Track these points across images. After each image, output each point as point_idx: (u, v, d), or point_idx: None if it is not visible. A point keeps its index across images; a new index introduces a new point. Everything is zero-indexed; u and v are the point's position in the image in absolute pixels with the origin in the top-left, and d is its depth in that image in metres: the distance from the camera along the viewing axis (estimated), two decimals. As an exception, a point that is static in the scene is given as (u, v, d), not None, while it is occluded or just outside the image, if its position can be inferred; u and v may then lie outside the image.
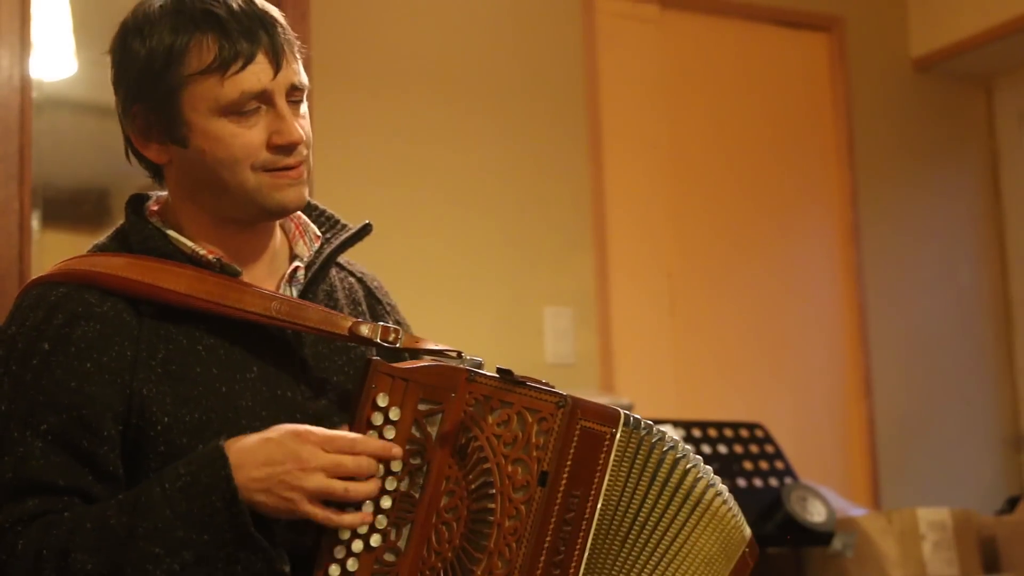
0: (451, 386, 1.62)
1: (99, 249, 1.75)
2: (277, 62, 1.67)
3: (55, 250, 3.00)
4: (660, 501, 1.67)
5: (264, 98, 1.68)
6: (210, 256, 1.72)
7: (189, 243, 1.73)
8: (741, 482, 3.25)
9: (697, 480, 1.69)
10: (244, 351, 1.69)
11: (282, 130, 1.68)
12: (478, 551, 1.61)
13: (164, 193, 1.79)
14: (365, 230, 1.84)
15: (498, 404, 1.62)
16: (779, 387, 4.23)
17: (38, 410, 1.60)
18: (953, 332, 4.57)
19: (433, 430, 1.61)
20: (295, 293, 1.78)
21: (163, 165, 1.74)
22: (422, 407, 1.61)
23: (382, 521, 1.59)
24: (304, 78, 1.73)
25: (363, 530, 1.59)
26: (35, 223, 3.05)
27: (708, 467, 1.73)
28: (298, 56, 1.73)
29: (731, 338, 4.18)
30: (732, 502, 1.74)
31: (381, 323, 1.76)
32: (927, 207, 4.59)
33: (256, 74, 1.66)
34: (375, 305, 1.91)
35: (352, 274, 1.93)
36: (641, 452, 1.66)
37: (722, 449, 3.32)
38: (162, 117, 1.69)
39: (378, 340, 1.73)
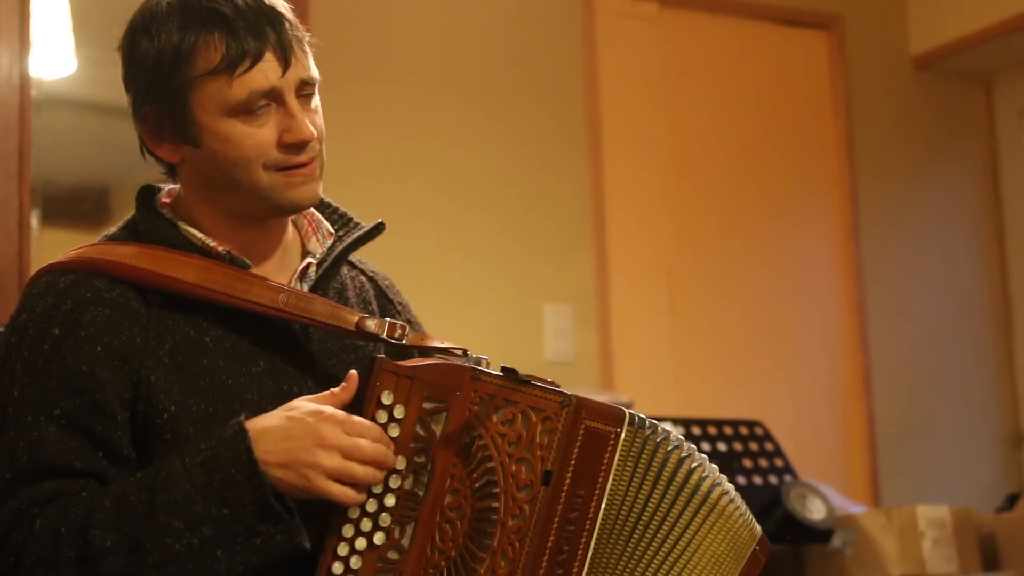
0: (456, 385, 1.62)
1: (110, 239, 1.75)
2: (286, 59, 1.67)
3: (55, 248, 2.99)
4: (665, 500, 1.67)
5: (274, 96, 1.67)
6: (220, 248, 1.72)
7: (199, 235, 1.73)
8: (741, 480, 3.25)
9: (703, 479, 1.69)
10: (251, 345, 1.70)
11: (292, 128, 1.67)
12: (482, 550, 1.61)
13: (176, 186, 1.79)
14: (378, 229, 1.84)
15: (503, 403, 1.62)
16: (779, 385, 4.23)
17: (51, 394, 1.60)
18: (953, 329, 4.57)
19: (438, 428, 1.61)
20: (305, 290, 1.78)
21: (176, 164, 1.74)
22: (427, 405, 1.61)
23: (386, 519, 1.59)
24: (314, 72, 1.72)
25: (367, 527, 1.59)
26: (34, 221, 3.05)
27: (714, 466, 1.73)
28: (308, 50, 1.72)
29: (731, 336, 4.18)
30: (739, 500, 1.74)
31: (388, 319, 1.75)
32: (927, 204, 4.59)
33: (264, 72, 1.65)
34: (386, 304, 1.91)
35: (363, 272, 1.93)
36: (646, 451, 1.66)
37: (722, 447, 3.32)
38: (173, 118, 1.68)
39: (384, 336, 1.73)
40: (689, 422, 3.34)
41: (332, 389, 1.62)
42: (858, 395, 4.35)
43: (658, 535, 1.67)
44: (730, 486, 1.73)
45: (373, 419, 1.60)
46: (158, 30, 1.67)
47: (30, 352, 1.63)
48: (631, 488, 1.66)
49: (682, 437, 1.71)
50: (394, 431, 1.60)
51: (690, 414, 3.62)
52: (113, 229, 1.77)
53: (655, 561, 1.67)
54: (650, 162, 4.09)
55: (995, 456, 4.58)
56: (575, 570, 1.63)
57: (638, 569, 1.67)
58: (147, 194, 1.78)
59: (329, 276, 1.80)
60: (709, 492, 1.70)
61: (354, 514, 1.59)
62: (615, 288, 3.96)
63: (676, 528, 1.68)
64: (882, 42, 4.58)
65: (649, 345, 4.00)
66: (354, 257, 1.90)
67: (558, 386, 1.65)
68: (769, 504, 3.19)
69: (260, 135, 1.67)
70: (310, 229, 1.84)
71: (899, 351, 4.43)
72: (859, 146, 4.45)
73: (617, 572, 1.66)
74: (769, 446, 3.41)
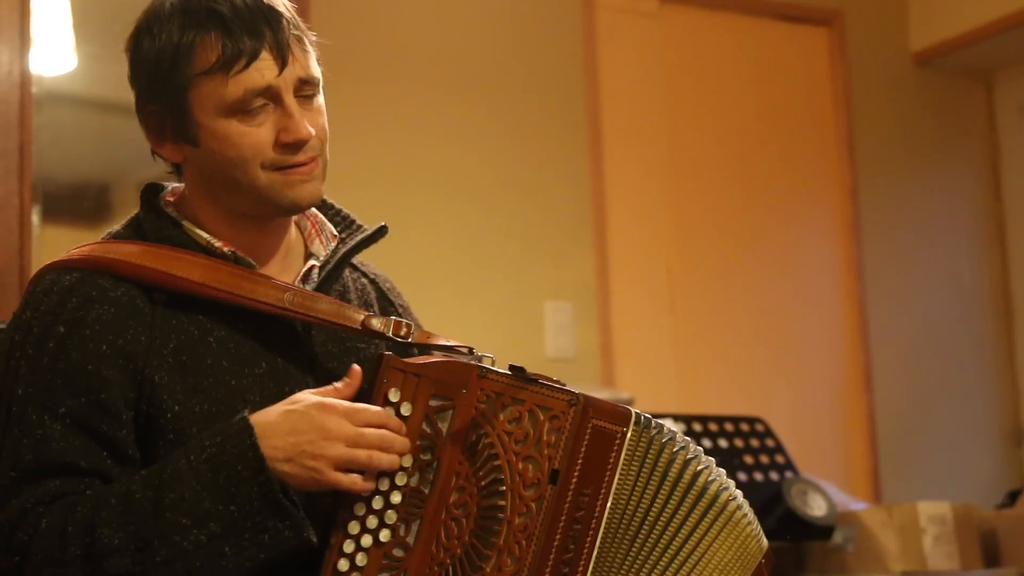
0: (463, 382, 1.62)
1: (113, 237, 1.75)
2: (282, 58, 1.66)
3: (55, 245, 3.00)
4: (671, 501, 1.67)
5: (270, 95, 1.67)
6: (225, 248, 1.72)
7: (204, 234, 1.73)
8: (742, 476, 3.25)
9: (710, 482, 1.69)
10: (254, 346, 1.70)
11: (289, 127, 1.67)
12: (487, 548, 1.61)
13: (180, 185, 1.79)
14: (381, 232, 1.84)
15: (509, 401, 1.62)
16: (779, 381, 4.23)
17: (56, 393, 1.60)
18: (953, 326, 4.57)
19: (444, 426, 1.61)
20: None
21: (180, 163, 1.74)
22: (433, 403, 1.61)
23: (391, 516, 1.59)
24: (315, 71, 1.72)
25: (372, 524, 1.59)
26: (35, 218, 3.04)
27: (721, 469, 1.72)
28: (309, 49, 1.72)
29: (731, 333, 4.18)
30: (748, 508, 1.73)
31: (393, 318, 1.75)
32: (927, 201, 4.59)
33: (260, 71, 1.65)
34: (387, 307, 1.91)
35: (365, 275, 1.93)
36: (651, 451, 1.66)
37: (722, 443, 3.32)
38: (173, 117, 1.69)
39: (390, 334, 1.73)
40: (690, 419, 3.35)
41: (335, 384, 1.62)
42: (859, 392, 4.35)
43: (664, 536, 1.67)
44: (739, 492, 1.73)
45: None
46: (159, 30, 1.68)
47: (35, 350, 1.63)
48: (636, 488, 1.66)
49: (688, 438, 1.71)
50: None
51: (691, 411, 3.62)
52: (117, 227, 1.77)
53: (661, 562, 1.67)
54: (650, 158, 4.09)
55: (996, 452, 4.58)
56: (581, 569, 1.63)
57: (643, 569, 1.67)
58: (151, 192, 1.78)
59: (331, 279, 1.80)
60: (717, 496, 1.69)
61: (360, 511, 1.59)
62: (616, 285, 3.96)
63: (683, 530, 1.68)
64: (882, 38, 4.58)
65: (650, 342, 4.00)
66: (356, 259, 1.90)
67: (565, 385, 1.65)
68: (770, 501, 3.19)
69: (257, 134, 1.67)
70: (313, 231, 1.84)
71: (900, 348, 4.43)
72: (859, 143, 4.45)
73: (622, 572, 1.66)
74: (770, 443, 3.41)
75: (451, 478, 1.61)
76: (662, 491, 1.67)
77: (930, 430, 4.46)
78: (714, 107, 4.27)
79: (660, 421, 1.68)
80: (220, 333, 1.68)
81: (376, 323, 1.73)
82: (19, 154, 2.89)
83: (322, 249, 1.82)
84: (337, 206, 1.89)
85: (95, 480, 1.60)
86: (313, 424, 1.57)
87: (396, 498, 1.60)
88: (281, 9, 1.70)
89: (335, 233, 1.84)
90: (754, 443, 3.38)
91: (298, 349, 1.73)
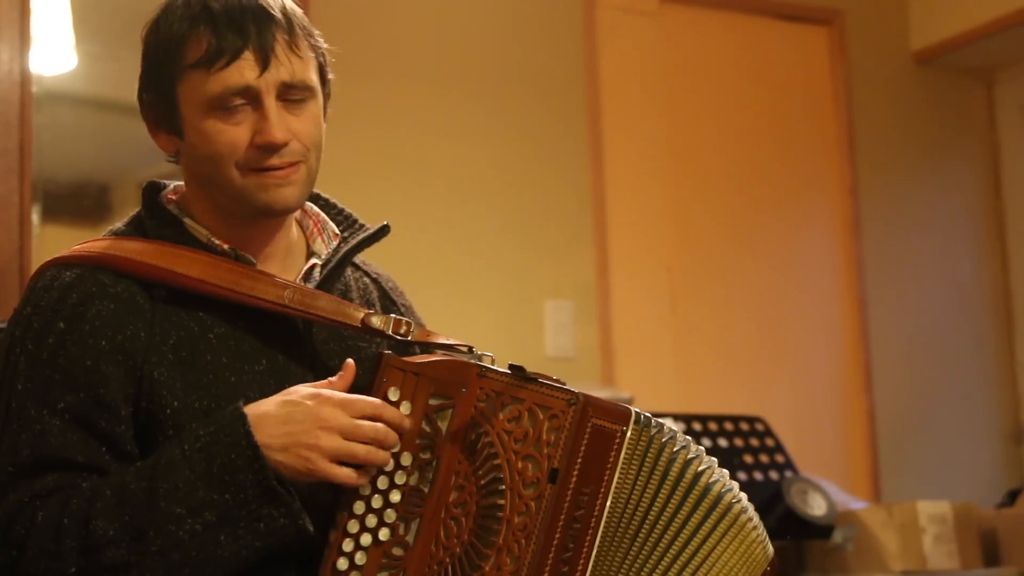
0: (462, 381, 1.62)
1: (115, 234, 1.75)
2: (265, 59, 1.66)
3: (55, 244, 2.99)
4: (672, 501, 1.67)
5: (249, 95, 1.67)
6: (225, 246, 1.72)
7: (204, 231, 1.73)
8: (741, 475, 3.25)
9: (712, 483, 1.69)
10: (254, 343, 1.70)
11: (264, 130, 1.67)
12: (487, 547, 1.61)
13: (182, 184, 1.80)
14: (383, 231, 1.84)
15: (509, 400, 1.62)
16: (779, 380, 4.23)
17: (55, 388, 1.61)
18: (953, 325, 4.57)
19: (443, 425, 1.61)
20: None
21: (174, 154, 1.76)
22: (433, 402, 1.61)
23: (391, 515, 1.59)
24: (306, 77, 1.70)
25: (372, 523, 1.59)
26: (35, 217, 3.04)
27: (724, 471, 1.72)
28: (304, 55, 1.71)
29: (731, 332, 4.18)
30: (753, 513, 1.73)
31: (393, 316, 1.76)
32: (927, 200, 4.59)
33: (241, 70, 1.66)
34: (389, 306, 1.91)
35: (367, 274, 1.93)
36: (651, 451, 1.66)
37: (722, 442, 3.32)
38: (164, 108, 1.71)
39: (390, 332, 1.73)
40: (690, 418, 3.35)
41: (329, 378, 1.63)
42: (859, 391, 4.35)
43: (665, 536, 1.67)
44: (743, 495, 1.72)
45: None
46: (164, 22, 1.70)
47: (34, 345, 1.63)
48: (636, 487, 1.66)
49: (689, 438, 1.71)
50: None
51: (691, 410, 3.62)
52: (118, 224, 1.78)
53: (663, 562, 1.67)
54: (651, 157, 4.09)
55: (996, 452, 4.58)
56: (580, 568, 1.63)
57: (644, 569, 1.66)
58: (153, 190, 1.78)
59: (333, 278, 1.79)
60: (720, 497, 1.69)
61: (359, 510, 1.59)
62: (616, 284, 3.96)
63: (685, 530, 1.67)
64: (883, 38, 4.58)
65: (650, 341, 4.00)
66: (358, 258, 1.90)
67: (565, 384, 1.65)
68: (770, 500, 3.19)
69: (233, 133, 1.67)
70: (315, 230, 1.84)
71: (900, 347, 4.43)
72: (860, 142, 4.45)
73: (622, 571, 1.66)
74: (770, 442, 3.41)
75: (450, 477, 1.61)
76: (662, 491, 1.67)
77: (930, 429, 4.46)
78: (714, 107, 4.27)
79: (661, 420, 1.68)
80: (220, 330, 1.68)
81: (376, 321, 1.73)
82: (19, 153, 2.89)
83: (324, 248, 1.82)
84: (340, 205, 1.89)
85: (93, 476, 1.60)
86: (308, 414, 1.57)
87: (395, 497, 1.60)
88: (274, 12, 1.69)
89: (337, 232, 1.84)
90: (754, 442, 3.38)
91: (299, 347, 1.73)
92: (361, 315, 1.73)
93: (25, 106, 2.91)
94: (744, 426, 3.40)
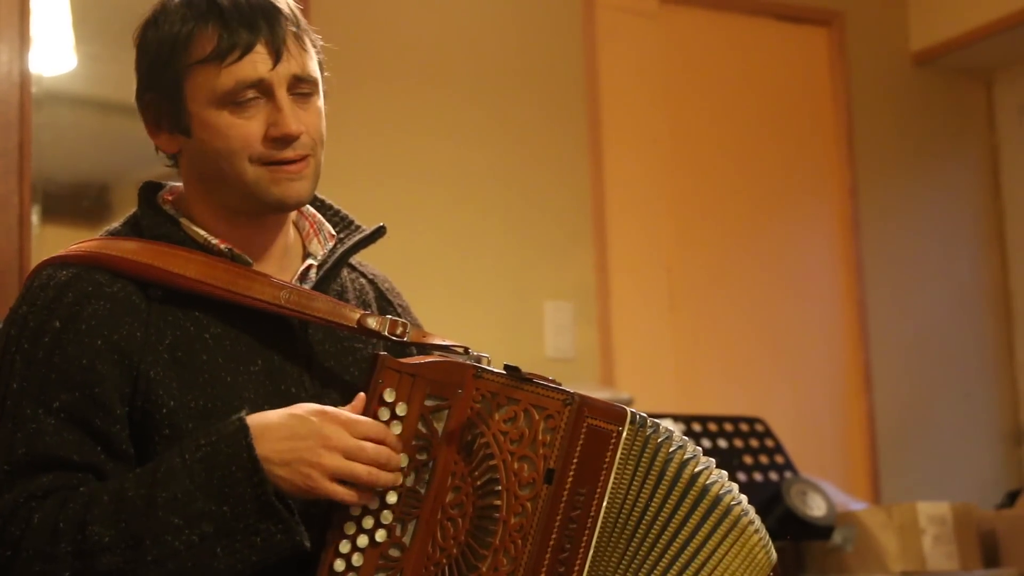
0: (458, 382, 1.61)
1: (111, 234, 1.75)
2: (277, 52, 1.67)
3: (55, 244, 2.99)
4: (669, 501, 1.67)
5: (262, 88, 1.67)
6: (222, 246, 1.72)
7: (202, 232, 1.73)
8: (741, 476, 3.25)
9: (710, 483, 1.69)
10: (250, 344, 1.70)
11: (278, 122, 1.67)
12: (483, 548, 1.60)
13: (179, 184, 1.80)
14: (379, 232, 1.84)
15: (505, 401, 1.62)
16: (779, 381, 4.23)
17: (50, 387, 1.60)
18: (953, 326, 4.57)
19: (439, 426, 1.61)
20: None
21: (176, 154, 1.75)
22: (429, 403, 1.61)
23: (388, 516, 1.59)
24: (313, 70, 1.72)
25: (369, 524, 1.59)
26: (35, 218, 3.04)
27: (723, 472, 1.72)
28: (309, 49, 1.72)
29: (731, 332, 4.18)
30: (755, 516, 1.73)
31: (390, 317, 1.75)
32: (927, 201, 4.59)
33: (254, 63, 1.66)
34: (386, 307, 1.91)
35: (363, 275, 1.92)
36: (647, 450, 1.66)
37: (722, 443, 3.32)
38: (169, 106, 1.70)
39: (386, 333, 1.73)
40: (689, 419, 3.34)
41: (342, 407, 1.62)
42: (858, 391, 4.34)
43: (663, 536, 1.67)
44: (743, 497, 1.72)
45: (375, 416, 1.59)
46: (163, 21, 1.70)
47: (30, 344, 1.63)
48: (633, 487, 1.65)
49: (686, 438, 1.70)
50: (396, 428, 1.60)
51: (690, 411, 3.62)
52: (115, 224, 1.78)
53: (661, 563, 1.66)
54: (650, 158, 4.09)
55: (995, 452, 4.58)
56: (577, 568, 1.63)
57: (642, 569, 1.66)
58: (149, 190, 1.78)
59: (329, 279, 1.79)
60: (719, 499, 1.69)
61: (356, 511, 1.58)
62: (615, 285, 3.96)
63: (683, 531, 1.67)
64: (882, 38, 4.57)
65: (649, 342, 4.00)
66: (354, 259, 1.90)
67: (560, 385, 1.65)
68: (770, 501, 3.19)
69: (246, 127, 1.67)
70: (311, 231, 1.84)
71: (899, 347, 4.43)
72: (859, 143, 4.45)
73: (619, 571, 1.66)
74: (769, 443, 3.41)
75: (447, 478, 1.60)
76: (659, 490, 1.66)
77: (930, 430, 4.46)
78: (714, 107, 4.27)
79: (657, 421, 1.68)
80: (216, 330, 1.68)
81: (372, 322, 1.73)
82: (19, 153, 2.89)
83: (320, 249, 1.81)
84: (335, 206, 1.89)
85: (88, 475, 1.60)
86: (312, 430, 1.56)
87: (392, 498, 1.59)
88: (281, 6, 1.71)
89: (333, 233, 1.84)
90: (754, 443, 3.38)
91: (294, 347, 1.73)
92: (357, 316, 1.72)
93: (25, 106, 2.91)
94: (744, 427, 3.40)
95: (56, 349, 1.62)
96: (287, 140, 1.68)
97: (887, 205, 4.48)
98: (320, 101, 1.74)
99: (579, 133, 4.00)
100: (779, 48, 4.40)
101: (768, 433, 3.42)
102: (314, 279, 1.78)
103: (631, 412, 1.66)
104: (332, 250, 1.82)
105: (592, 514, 1.63)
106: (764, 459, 3.34)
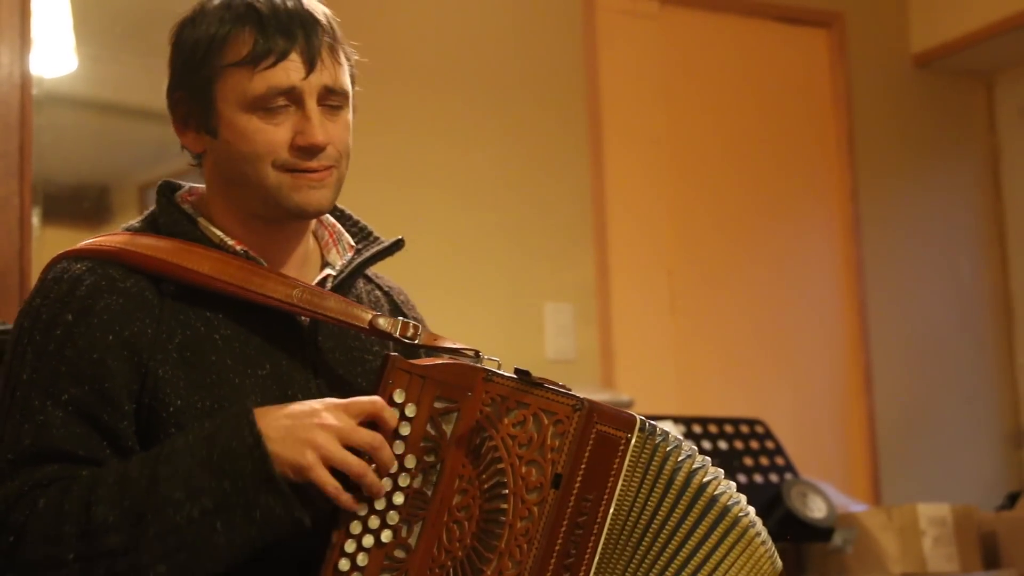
0: (468, 385, 1.62)
1: (128, 231, 1.76)
2: (311, 62, 1.69)
3: (55, 246, 2.99)
4: (676, 510, 1.66)
5: (293, 96, 1.69)
6: (237, 247, 1.73)
7: (218, 232, 1.74)
8: (741, 478, 3.25)
9: (718, 494, 1.68)
10: (260, 347, 1.70)
11: (306, 131, 1.69)
12: (489, 551, 1.60)
13: (199, 185, 1.81)
14: (397, 245, 1.86)
15: (515, 405, 1.62)
16: (779, 383, 4.23)
17: (60, 380, 1.61)
18: (953, 328, 4.57)
19: (448, 428, 1.61)
20: None
21: (200, 154, 1.76)
22: (438, 405, 1.61)
23: (394, 517, 1.59)
24: (345, 83, 1.74)
25: (374, 525, 1.59)
26: (35, 220, 3.04)
27: (732, 483, 1.71)
28: (343, 62, 1.75)
29: (731, 334, 4.18)
30: (761, 527, 1.72)
31: (401, 319, 1.76)
32: (928, 203, 4.60)
33: (287, 71, 1.68)
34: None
35: (379, 287, 1.94)
36: (655, 458, 1.66)
37: (722, 445, 3.32)
38: (198, 106, 1.72)
39: (397, 335, 1.74)
40: (690, 420, 3.34)
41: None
42: (859, 393, 4.35)
43: (670, 544, 1.66)
44: (751, 509, 1.72)
45: None
46: (201, 21, 1.72)
47: (42, 336, 1.64)
48: (640, 494, 1.65)
49: (694, 447, 1.70)
50: (405, 430, 1.60)
51: (691, 412, 3.62)
52: (133, 222, 1.79)
53: (667, 573, 1.66)
54: (651, 160, 4.09)
55: (996, 454, 4.59)
56: (582, 574, 1.62)
57: (648, 576, 1.66)
58: (168, 189, 1.80)
59: (344, 288, 1.80)
60: (727, 509, 1.68)
61: (362, 511, 1.59)
62: (616, 286, 3.96)
63: (691, 540, 1.67)
64: (883, 40, 4.58)
65: (650, 343, 4.00)
66: (371, 271, 1.92)
67: (570, 390, 1.65)
68: (770, 502, 3.19)
69: (274, 133, 1.69)
70: (331, 240, 1.85)
71: (900, 349, 4.44)
72: (860, 144, 4.45)
73: None
74: (770, 444, 3.41)
75: (454, 480, 1.60)
76: (667, 499, 1.66)
77: (930, 432, 4.46)
78: (714, 109, 4.27)
79: (666, 430, 1.68)
80: (227, 331, 1.69)
81: (383, 323, 1.74)
82: (19, 155, 2.89)
83: (338, 258, 1.83)
84: (355, 217, 1.91)
85: (93, 469, 1.60)
86: (309, 411, 1.57)
87: (399, 499, 1.60)
88: (319, 17, 1.73)
89: (352, 243, 1.85)
90: (754, 445, 3.37)
91: (304, 353, 1.74)
92: (369, 317, 1.73)
93: (25, 108, 2.91)
94: (744, 428, 3.40)
95: (67, 342, 1.62)
96: (313, 150, 1.70)
97: (888, 206, 4.49)
98: (349, 114, 1.77)
99: (580, 135, 4.00)
100: (780, 50, 4.40)
101: (768, 435, 3.42)
102: (330, 287, 1.79)
103: (640, 419, 1.65)
104: (350, 260, 1.83)
105: (598, 520, 1.62)
106: (764, 461, 3.34)
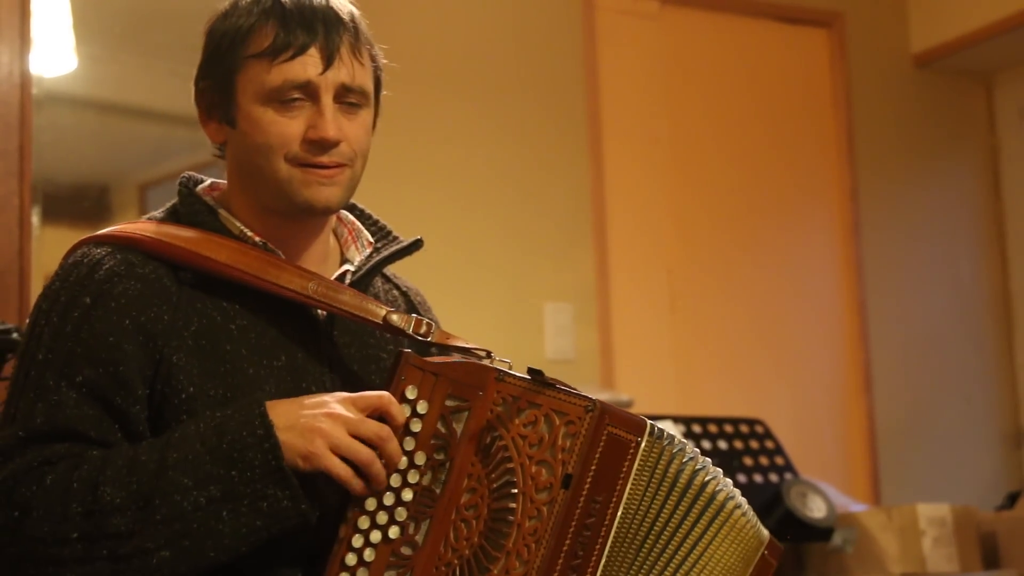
0: (480, 385, 1.62)
1: (150, 220, 1.78)
2: (329, 58, 1.70)
3: (55, 246, 2.99)
4: (678, 512, 1.67)
5: (309, 91, 1.71)
6: (256, 239, 1.74)
7: (238, 223, 1.76)
8: (741, 478, 3.25)
9: (717, 492, 1.69)
10: (275, 338, 1.71)
11: (318, 125, 1.70)
12: (496, 550, 1.60)
13: (221, 181, 1.83)
14: (416, 245, 1.88)
15: (526, 405, 1.62)
16: (779, 383, 4.23)
17: (75, 361, 1.62)
18: (953, 328, 4.57)
19: (459, 427, 1.61)
20: None
21: (222, 145, 1.79)
22: (449, 403, 1.62)
23: (402, 513, 1.60)
24: (364, 83, 1.75)
25: (382, 520, 1.59)
26: (35, 219, 3.04)
27: (728, 480, 1.72)
28: (367, 63, 1.76)
29: (731, 334, 4.18)
30: (749, 510, 1.73)
31: (414, 315, 1.77)
32: (927, 203, 4.60)
33: (304, 65, 1.70)
34: None
35: (397, 287, 1.95)
36: (662, 462, 1.65)
37: (722, 445, 3.31)
38: (220, 96, 1.74)
39: (410, 332, 1.74)
40: (689, 420, 3.34)
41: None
42: (858, 393, 4.35)
43: (670, 545, 1.66)
44: (743, 499, 1.73)
45: None
46: (232, 13, 1.75)
47: (59, 318, 1.65)
48: (646, 497, 1.65)
49: (698, 450, 1.71)
50: (415, 426, 1.61)
51: (690, 412, 3.62)
52: (155, 212, 1.81)
53: (667, 572, 1.66)
54: (651, 160, 4.09)
55: (995, 454, 4.59)
56: (589, 575, 1.62)
57: (649, 576, 1.66)
58: (189, 181, 1.82)
59: (362, 285, 1.81)
60: (723, 505, 1.69)
61: (371, 506, 1.59)
62: (616, 286, 3.96)
63: (688, 540, 1.67)
64: (882, 40, 4.58)
65: (649, 343, 4.00)
66: (389, 271, 1.93)
67: (581, 391, 1.65)
68: (769, 502, 3.19)
69: (287, 126, 1.70)
70: (350, 238, 1.87)
71: (899, 349, 4.44)
72: (859, 144, 4.45)
73: None
74: (769, 444, 3.41)
75: (463, 479, 1.61)
76: (670, 501, 1.66)
77: (930, 432, 4.46)
78: (714, 108, 4.27)
79: (673, 434, 1.68)
80: (242, 321, 1.70)
81: (397, 319, 1.74)
82: (19, 155, 2.89)
83: (357, 256, 1.84)
84: (374, 216, 1.92)
85: (102, 450, 1.61)
86: (318, 402, 1.59)
87: (407, 495, 1.60)
88: (343, 15, 1.75)
89: (371, 240, 1.87)
90: (754, 445, 3.37)
91: (319, 347, 1.75)
92: (383, 312, 1.74)
93: (25, 108, 2.91)
94: (744, 428, 3.40)
95: (84, 324, 1.63)
96: (324, 145, 1.71)
97: (887, 207, 4.49)
98: (369, 115, 1.78)
99: (579, 135, 4.00)
100: (779, 50, 4.40)
101: (768, 434, 3.42)
102: (348, 284, 1.80)
103: (650, 424, 1.65)
104: (368, 258, 1.84)
105: (607, 522, 1.62)
106: (764, 460, 3.34)
